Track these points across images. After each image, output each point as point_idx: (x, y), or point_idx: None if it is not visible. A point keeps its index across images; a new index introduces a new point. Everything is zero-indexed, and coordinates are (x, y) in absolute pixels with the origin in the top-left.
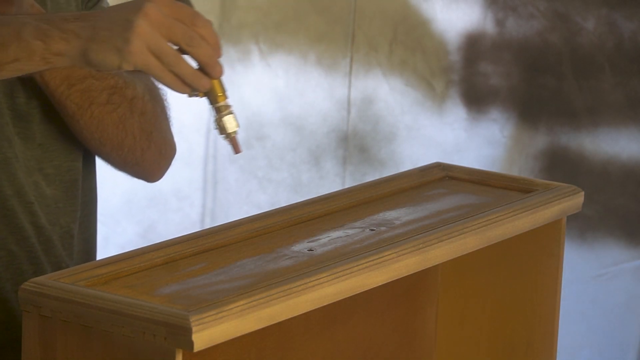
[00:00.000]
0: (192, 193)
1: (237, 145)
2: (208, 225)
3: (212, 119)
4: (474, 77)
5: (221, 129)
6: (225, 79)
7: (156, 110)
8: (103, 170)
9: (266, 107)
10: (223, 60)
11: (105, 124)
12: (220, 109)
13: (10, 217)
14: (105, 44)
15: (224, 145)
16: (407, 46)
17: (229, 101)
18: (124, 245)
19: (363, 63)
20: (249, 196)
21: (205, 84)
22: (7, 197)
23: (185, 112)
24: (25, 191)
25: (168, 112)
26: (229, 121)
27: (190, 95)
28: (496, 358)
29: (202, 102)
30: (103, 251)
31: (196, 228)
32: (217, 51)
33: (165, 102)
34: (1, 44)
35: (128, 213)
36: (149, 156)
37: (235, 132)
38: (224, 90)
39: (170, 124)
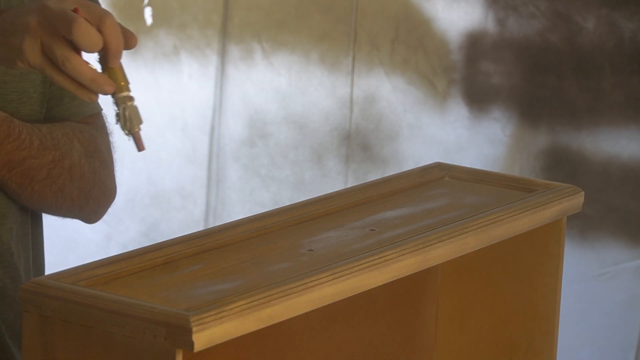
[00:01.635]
0: (196, 191)
1: (140, 141)
2: (211, 223)
3: (113, 112)
4: (475, 76)
5: (124, 123)
6: (228, 77)
7: (94, 167)
8: None
9: (269, 106)
10: (226, 59)
11: (45, 195)
12: (121, 100)
13: None
14: (5, 39)
15: (227, 143)
16: (409, 45)
17: (132, 93)
18: (127, 244)
19: (365, 62)
20: (252, 194)
21: (107, 88)
22: None
23: (188, 111)
24: None
25: (111, 157)
26: (133, 115)
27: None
28: (496, 358)
29: (205, 102)
30: (105, 250)
31: (199, 226)
32: (116, 40)
33: (110, 147)
34: None
35: (131, 211)
36: (86, 210)
37: (139, 128)
38: (126, 81)
39: (113, 167)
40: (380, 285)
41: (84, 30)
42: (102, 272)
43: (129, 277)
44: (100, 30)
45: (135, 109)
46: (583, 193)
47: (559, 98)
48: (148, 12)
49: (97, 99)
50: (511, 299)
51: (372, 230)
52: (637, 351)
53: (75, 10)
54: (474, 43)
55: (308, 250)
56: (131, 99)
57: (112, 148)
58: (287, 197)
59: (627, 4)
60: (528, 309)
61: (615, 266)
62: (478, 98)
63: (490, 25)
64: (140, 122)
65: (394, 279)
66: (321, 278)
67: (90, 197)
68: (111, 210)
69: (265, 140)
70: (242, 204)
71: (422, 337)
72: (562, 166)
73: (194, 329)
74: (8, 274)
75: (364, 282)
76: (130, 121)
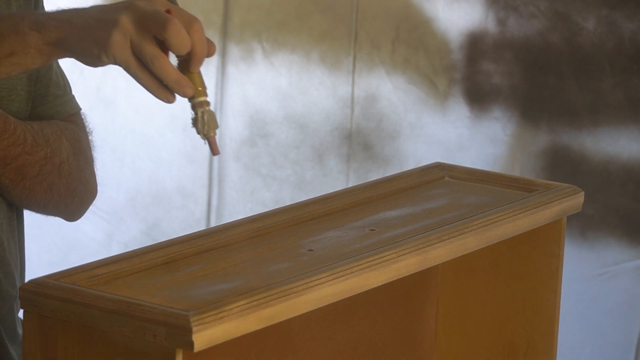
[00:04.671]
0: (197, 190)
1: (215, 145)
2: (212, 222)
3: (190, 116)
4: (476, 75)
5: (201, 127)
6: (228, 77)
7: (80, 165)
8: (106, 168)
9: (269, 106)
10: (226, 59)
11: (35, 192)
12: (199, 105)
13: None
14: (89, 34)
15: (228, 142)
16: (409, 45)
17: (209, 98)
18: (128, 243)
19: (366, 61)
20: (253, 193)
21: (188, 91)
22: None
23: (189, 110)
24: None
25: (92, 156)
26: (209, 119)
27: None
28: (496, 358)
29: (210, 100)
30: (106, 249)
31: (200, 225)
32: (202, 45)
33: (90, 146)
34: None
35: (132, 211)
36: (71, 207)
37: (214, 132)
38: (204, 86)
39: (94, 166)
40: (380, 285)
41: (177, 31)
42: (102, 272)
43: (129, 277)
44: (188, 34)
45: (212, 114)
46: (583, 193)
47: (559, 98)
48: None
49: (174, 101)
50: (511, 299)
51: (372, 230)
52: (637, 351)
53: (167, 12)
54: (475, 43)
55: (308, 250)
56: (208, 103)
57: (92, 147)
58: (288, 196)
59: (627, 4)
60: (528, 309)
61: (616, 266)
62: (479, 98)
63: (491, 25)
64: (216, 126)
65: (394, 279)
66: (321, 278)
67: (76, 194)
68: (112, 209)
69: (266, 139)
70: (243, 203)
71: (422, 337)
72: (563, 166)
73: (194, 329)
74: (2, 269)
75: (364, 282)
76: (207, 125)
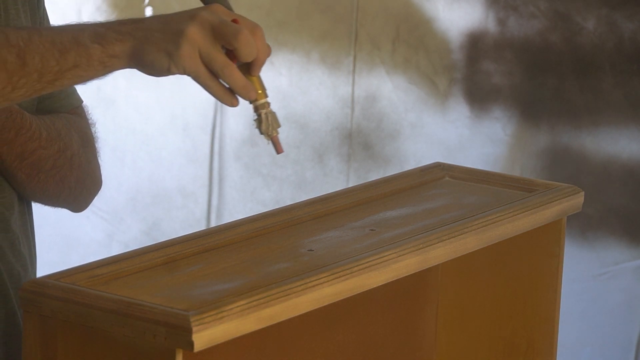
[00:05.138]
0: (197, 190)
1: (279, 144)
2: (213, 222)
3: (252, 118)
4: (476, 75)
5: (266, 127)
6: None
7: (87, 156)
8: (107, 168)
9: (270, 105)
10: None
11: (48, 185)
12: (262, 106)
13: None
14: (156, 46)
15: (229, 142)
16: (409, 45)
17: (269, 99)
18: (128, 243)
19: (366, 61)
20: (253, 193)
21: (253, 95)
22: None
23: (189, 110)
24: None
25: (97, 148)
26: (268, 120)
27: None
28: (496, 358)
29: (206, 101)
30: (107, 249)
31: (201, 225)
32: (264, 51)
33: (94, 138)
34: (61, 50)
35: (132, 211)
36: (80, 199)
37: (277, 132)
38: (264, 88)
39: (99, 157)
40: (380, 285)
41: (247, 40)
42: (102, 272)
43: (129, 277)
44: None
45: (274, 115)
46: (583, 193)
47: (559, 98)
48: (149, 12)
49: (238, 105)
50: (511, 299)
51: (372, 230)
52: (637, 351)
53: (234, 21)
54: (475, 43)
55: (308, 250)
56: (269, 104)
57: (96, 138)
58: (288, 196)
59: (627, 4)
60: (528, 309)
61: (616, 266)
62: (479, 97)
63: (491, 25)
64: (279, 126)
65: (394, 279)
66: (321, 278)
67: (84, 186)
68: (113, 209)
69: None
70: (243, 203)
71: (422, 337)
72: (563, 166)
73: (194, 329)
74: (19, 263)
75: (364, 282)
76: (270, 126)
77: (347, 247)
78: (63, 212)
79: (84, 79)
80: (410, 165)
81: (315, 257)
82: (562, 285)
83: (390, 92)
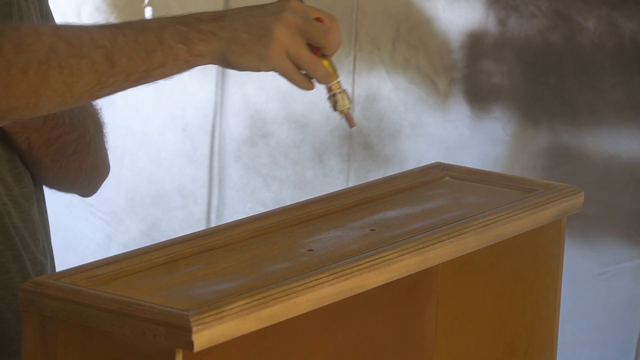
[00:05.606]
0: (197, 190)
1: (351, 119)
2: (212, 222)
3: (326, 96)
4: (476, 75)
5: (335, 105)
6: (229, 77)
7: (102, 142)
8: None
9: (270, 105)
10: None
11: (69, 170)
12: (335, 86)
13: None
14: (245, 47)
15: (229, 142)
16: (410, 44)
17: (340, 79)
18: (127, 243)
19: (366, 61)
20: (253, 193)
21: (331, 80)
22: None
23: (189, 110)
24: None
25: (106, 134)
26: (342, 98)
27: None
28: (496, 358)
29: (206, 102)
30: (106, 250)
31: (200, 226)
32: (339, 42)
33: (104, 124)
34: (146, 50)
35: (132, 211)
36: (92, 184)
37: (348, 108)
38: (335, 68)
39: (107, 144)
40: (380, 285)
41: (335, 37)
42: (102, 272)
43: (129, 277)
44: None
45: (345, 93)
46: (583, 193)
47: (559, 97)
48: (148, 12)
49: (313, 89)
50: (511, 299)
51: (372, 230)
52: (637, 350)
53: (318, 19)
54: (475, 42)
55: (308, 250)
56: (340, 84)
57: (104, 123)
58: (288, 196)
59: (627, 4)
60: (528, 309)
61: (616, 265)
62: (479, 97)
63: (491, 25)
64: (351, 102)
65: (394, 279)
66: (321, 278)
67: (98, 170)
68: (112, 209)
69: (266, 139)
70: (243, 203)
71: (422, 337)
72: (563, 165)
73: (194, 329)
74: (40, 252)
75: (364, 282)
76: (343, 103)
77: (347, 247)
78: (62, 213)
79: (168, 76)
80: (411, 165)
81: (315, 257)
82: (562, 285)
83: (390, 92)
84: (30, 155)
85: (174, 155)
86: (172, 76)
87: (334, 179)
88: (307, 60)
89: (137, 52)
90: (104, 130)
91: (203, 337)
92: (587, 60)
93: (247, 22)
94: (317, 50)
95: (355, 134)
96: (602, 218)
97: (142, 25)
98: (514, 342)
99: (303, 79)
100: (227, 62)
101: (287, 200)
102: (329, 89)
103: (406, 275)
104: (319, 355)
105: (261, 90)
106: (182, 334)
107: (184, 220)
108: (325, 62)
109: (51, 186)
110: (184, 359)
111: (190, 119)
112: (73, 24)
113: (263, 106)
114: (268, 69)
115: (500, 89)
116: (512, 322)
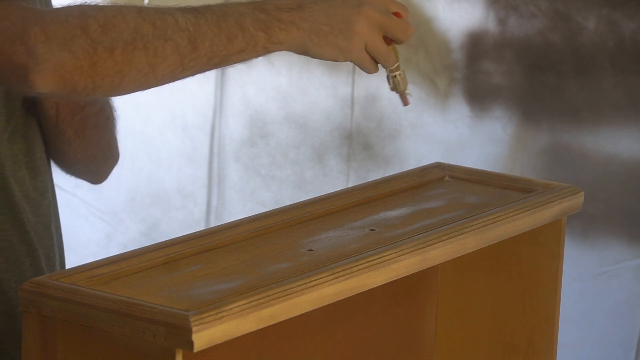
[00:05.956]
0: (196, 191)
1: (406, 99)
2: (212, 223)
3: (386, 76)
4: (476, 75)
5: (394, 86)
6: (228, 77)
7: (115, 122)
8: None
9: (269, 106)
10: None
11: (89, 145)
12: (396, 69)
13: (15, 211)
14: (326, 39)
15: (228, 143)
16: (410, 44)
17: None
18: (127, 243)
19: None
20: (252, 194)
21: (395, 64)
22: (14, 191)
23: (189, 111)
24: (13, 186)
25: (117, 118)
26: (402, 79)
27: None
28: (496, 358)
29: (205, 102)
30: (105, 250)
31: (200, 226)
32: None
33: (115, 108)
34: (228, 36)
35: (131, 211)
36: (107, 166)
37: (406, 88)
38: (397, 52)
39: (118, 130)
40: (380, 285)
41: (410, 33)
42: (102, 272)
43: (129, 277)
44: None
45: (405, 74)
46: (583, 193)
47: (559, 97)
48: None
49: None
50: (511, 299)
51: (372, 230)
52: (638, 350)
53: (396, 14)
54: (475, 42)
55: (308, 250)
56: (399, 67)
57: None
58: (288, 196)
59: (627, 4)
60: (528, 309)
61: (616, 265)
62: (479, 97)
63: (491, 25)
64: (408, 82)
65: (394, 279)
66: (321, 278)
67: (111, 153)
68: (111, 209)
69: (265, 139)
70: (242, 203)
71: (422, 337)
72: (563, 165)
73: (194, 329)
74: (53, 245)
75: (364, 282)
76: (403, 84)
77: (347, 247)
78: (62, 213)
79: (246, 61)
80: (411, 165)
81: (315, 257)
82: (562, 284)
83: (391, 92)
84: (56, 125)
85: (174, 156)
86: (250, 60)
87: (334, 179)
88: (383, 52)
89: (219, 37)
90: (115, 114)
91: (203, 337)
92: (587, 60)
93: (328, 13)
94: (390, 40)
95: (355, 133)
96: (602, 218)
97: (223, 10)
98: (514, 342)
99: (373, 65)
100: (306, 51)
101: (287, 201)
102: (391, 71)
103: (406, 275)
104: (319, 355)
105: (261, 91)
106: (182, 334)
107: (183, 220)
108: (391, 48)
109: (69, 165)
110: (184, 359)
111: (190, 119)
112: (153, 6)
113: (263, 106)
114: (346, 60)
115: (500, 89)
116: (512, 322)
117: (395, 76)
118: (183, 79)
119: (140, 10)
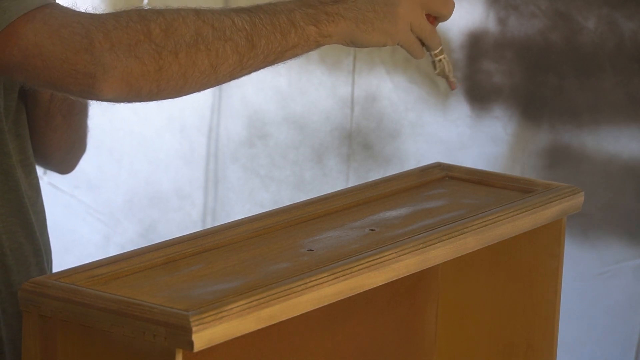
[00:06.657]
0: (194, 192)
1: (453, 82)
2: (209, 224)
3: (431, 61)
4: (476, 75)
5: (441, 69)
6: None
7: (88, 112)
8: (104, 169)
9: (269, 106)
10: None
11: (73, 131)
12: (440, 53)
13: (23, 211)
14: (373, 25)
15: (226, 144)
16: None
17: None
18: (125, 244)
19: (366, 61)
20: (251, 194)
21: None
22: (23, 192)
23: (187, 112)
24: (21, 187)
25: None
26: (447, 63)
27: None
28: (496, 358)
29: (204, 103)
30: (103, 251)
31: (197, 227)
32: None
33: None
34: (282, 32)
35: (129, 212)
36: (79, 154)
37: (451, 72)
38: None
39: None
40: (380, 285)
41: (452, 5)
42: (102, 272)
43: (129, 277)
44: None
45: (448, 59)
46: (583, 193)
47: (560, 97)
48: None
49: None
50: (511, 299)
51: (372, 230)
52: (638, 350)
53: None
54: (475, 42)
55: (308, 250)
56: (443, 51)
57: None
58: (286, 197)
59: (627, 4)
60: (528, 309)
61: (616, 265)
62: (480, 97)
63: (492, 25)
64: (451, 68)
65: (394, 279)
66: (321, 278)
67: (83, 143)
68: (109, 210)
69: (264, 140)
70: (241, 204)
71: (422, 337)
72: (564, 165)
73: (194, 329)
74: (47, 245)
75: (364, 282)
76: (448, 68)
77: (347, 247)
78: (60, 214)
79: (298, 56)
80: (411, 165)
81: (315, 257)
82: (562, 284)
83: (391, 91)
84: (47, 110)
85: (172, 157)
86: (302, 55)
87: (334, 179)
88: (428, 31)
89: (274, 34)
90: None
91: (203, 337)
92: (587, 60)
93: (371, 1)
94: (434, 18)
95: (355, 133)
96: (602, 217)
97: (273, 8)
98: (514, 342)
99: (420, 49)
100: (354, 41)
101: (286, 201)
102: (435, 55)
103: (406, 275)
104: (319, 355)
105: (260, 91)
106: (182, 334)
107: (181, 221)
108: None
109: (48, 155)
110: (184, 359)
111: (187, 121)
112: (206, 7)
113: (261, 107)
114: (394, 43)
115: (500, 89)
116: (512, 322)
117: (440, 60)
118: (240, 78)
119: (198, 12)
